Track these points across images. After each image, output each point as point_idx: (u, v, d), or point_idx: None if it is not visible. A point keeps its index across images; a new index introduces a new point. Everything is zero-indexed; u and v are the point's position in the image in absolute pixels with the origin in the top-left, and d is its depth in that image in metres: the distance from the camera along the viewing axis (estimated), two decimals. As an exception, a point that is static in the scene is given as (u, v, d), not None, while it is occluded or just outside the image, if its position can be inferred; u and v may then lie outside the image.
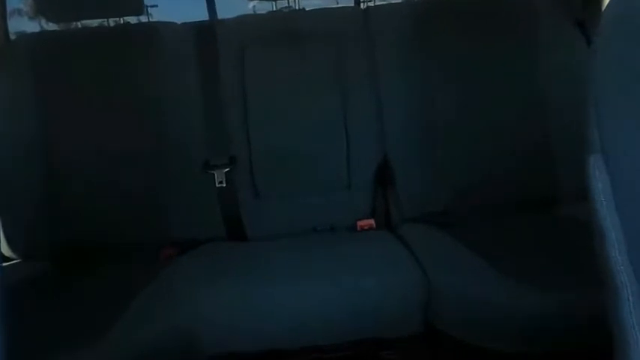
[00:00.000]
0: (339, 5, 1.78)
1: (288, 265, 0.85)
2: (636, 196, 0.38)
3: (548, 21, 1.04)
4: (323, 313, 0.77)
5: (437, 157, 1.03)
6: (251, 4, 4.09)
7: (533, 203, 0.99)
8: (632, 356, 0.35)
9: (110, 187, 1.01)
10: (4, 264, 1.01)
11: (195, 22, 1.21)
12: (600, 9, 0.99)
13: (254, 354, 0.77)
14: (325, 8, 1.29)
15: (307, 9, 1.31)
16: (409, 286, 0.78)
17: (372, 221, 1.05)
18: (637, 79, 0.38)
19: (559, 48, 1.03)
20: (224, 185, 1.03)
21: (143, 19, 2.35)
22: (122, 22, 2.11)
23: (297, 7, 4.00)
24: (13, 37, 1.15)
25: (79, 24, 1.25)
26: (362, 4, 2.31)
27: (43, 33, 1.32)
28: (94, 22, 1.26)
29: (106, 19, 1.80)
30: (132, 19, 2.08)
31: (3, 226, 1.00)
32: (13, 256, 1.02)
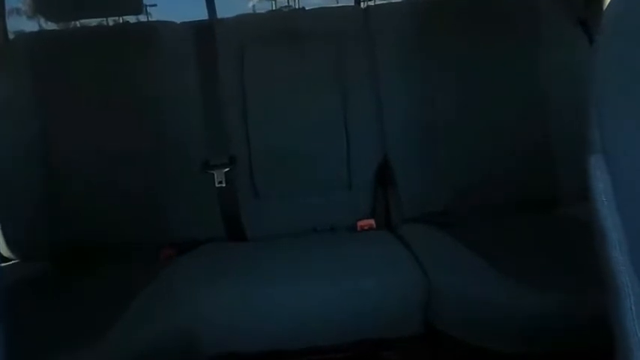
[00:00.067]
0: (339, 4, 1.78)
1: (288, 266, 0.85)
2: (637, 196, 0.37)
3: (549, 20, 1.04)
4: (323, 313, 0.77)
5: (437, 157, 1.02)
6: (250, 4, 4.09)
7: (534, 203, 0.99)
8: (633, 357, 0.35)
9: (110, 187, 1.01)
10: (4, 264, 1.01)
11: (194, 21, 1.21)
12: (602, 7, 0.99)
13: (254, 354, 0.77)
14: (325, 7, 1.29)
15: (307, 8, 1.31)
16: (409, 287, 0.78)
17: (372, 221, 1.05)
18: (637, 78, 0.38)
19: (560, 47, 1.02)
20: (224, 185, 1.03)
21: (142, 18, 2.35)
22: (121, 21, 2.11)
23: (296, 7, 3.99)
24: (11, 36, 1.15)
25: (77, 23, 1.24)
26: (362, 4, 2.31)
27: (41, 32, 1.31)
28: (93, 22, 1.26)
29: (105, 19, 1.80)
30: (131, 19, 2.08)
31: (2, 226, 1.00)
32: (13, 256, 1.02)
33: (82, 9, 1.06)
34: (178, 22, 1.15)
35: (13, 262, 1.02)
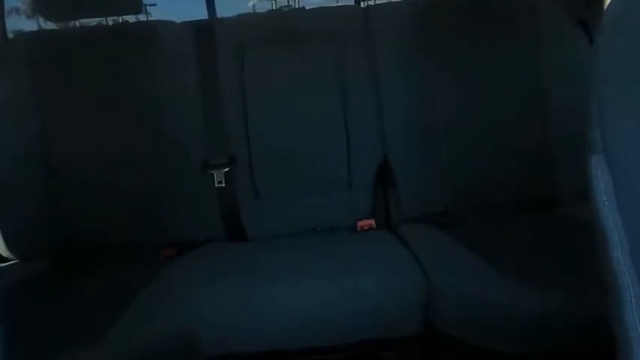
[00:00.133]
0: (339, 4, 1.78)
1: (288, 266, 0.85)
2: (638, 197, 0.37)
3: (549, 20, 1.04)
4: (323, 313, 0.77)
5: (437, 157, 1.02)
6: (251, 3, 4.08)
7: (534, 203, 0.99)
8: (634, 357, 0.35)
9: (109, 186, 1.01)
10: (4, 264, 1.01)
11: (194, 20, 1.21)
12: (602, 7, 0.99)
13: (254, 354, 0.77)
14: (325, 7, 1.29)
15: (307, 8, 1.31)
16: (409, 287, 0.78)
17: (372, 221, 1.05)
18: (637, 78, 0.38)
19: (560, 47, 1.02)
20: (223, 185, 1.03)
21: (142, 17, 2.34)
22: (121, 20, 2.11)
23: (296, 6, 3.99)
24: (10, 35, 1.15)
25: (77, 23, 1.24)
26: (362, 3, 2.31)
27: (41, 32, 1.31)
28: (93, 21, 1.26)
29: (104, 18, 1.79)
30: (130, 18, 2.08)
31: (2, 226, 1.00)
32: (13, 256, 1.02)
33: (82, 8, 1.05)
34: (178, 21, 1.15)
35: (12, 262, 1.02)
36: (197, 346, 0.75)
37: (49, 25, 1.37)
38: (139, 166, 1.01)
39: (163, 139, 1.03)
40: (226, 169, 1.04)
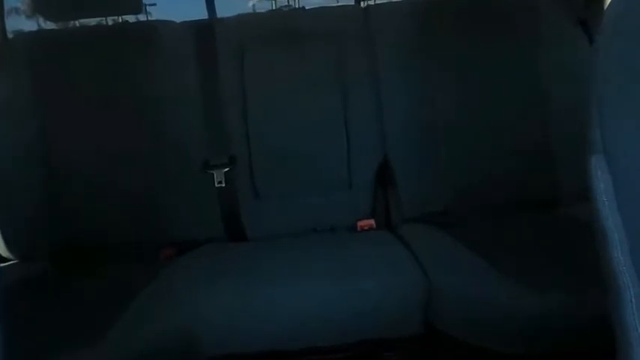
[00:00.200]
0: (339, 4, 1.78)
1: (288, 266, 0.85)
2: (638, 197, 0.37)
3: (549, 20, 1.04)
4: (323, 313, 0.77)
5: (437, 157, 1.02)
6: (250, 3, 4.08)
7: (534, 203, 0.99)
8: (634, 357, 0.35)
9: (109, 186, 1.00)
10: (4, 264, 1.01)
11: (194, 20, 1.21)
12: (603, 7, 0.99)
13: (254, 355, 0.77)
14: (325, 7, 1.29)
15: (307, 8, 1.30)
16: (409, 287, 0.78)
17: (372, 221, 1.05)
18: (637, 78, 0.38)
19: (560, 47, 1.02)
20: (223, 185, 1.03)
21: (142, 17, 2.34)
22: (120, 20, 2.11)
23: (296, 6, 3.99)
24: (10, 35, 1.15)
25: (77, 23, 1.24)
26: (362, 3, 2.31)
27: (40, 32, 1.31)
28: (92, 21, 1.26)
29: (104, 18, 1.79)
30: (130, 18, 2.08)
31: (2, 227, 1.00)
32: (13, 256, 1.02)
33: (81, 8, 1.05)
34: (178, 21, 1.15)
35: (12, 262, 1.02)
36: (197, 346, 0.75)
37: (49, 25, 1.37)
38: (139, 166, 1.01)
39: (163, 139, 1.03)
40: (226, 169, 1.04)
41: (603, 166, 0.38)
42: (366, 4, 1.88)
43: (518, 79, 1.02)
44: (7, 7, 1.14)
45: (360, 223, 1.05)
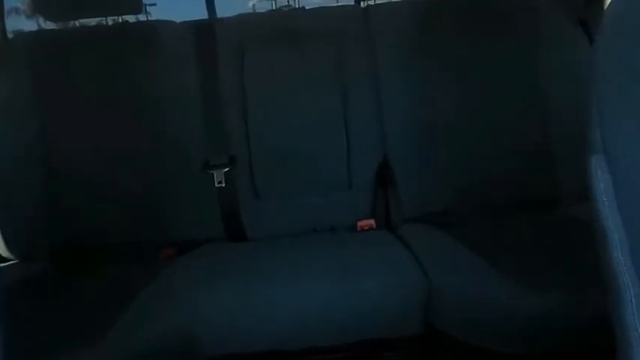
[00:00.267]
0: (339, 4, 1.78)
1: (288, 266, 0.85)
2: (638, 197, 0.37)
3: (549, 20, 1.04)
4: (323, 313, 0.77)
5: (437, 157, 1.02)
6: (251, 3, 4.08)
7: (534, 203, 0.99)
8: (634, 357, 0.35)
9: (109, 186, 1.00)
10: (4, 264, 1.01)
11: (194, 20, 1.21)
12: (602, 7, 0.99)
13: (254, 355, 0.77)
14: (325, 7, 1.29)
15: (307, 8, 1.30)
16: (409, 287, 0.78)
17: (372, 221, 1.05)
18: (637, 78, 0.38)
19: (560, 47, 1.02)
20: (223, 185, 1.03)
21: (142, 17, 2.34)
22: (120, 20, 2.11)
23: (296, 6, 3.99)
24: (10, 35, 1.15)
25: (77, 23, 1.24)
26: (362, 3, 2.31)
27: (40, 32, 1.31)
28: (92, 21, 1.26)
29: (104, 18, 1.79)
30: (130, 18, 2.08)
31: (2, 226, 1.00)
32: (13, 256, 1.02)
33: (81, 8, 1.05)
34: (178, 21, 1.15)
35: (12, 262, 1.02)
36: (197, 346, 0.75)
37: (49, 25, 1.37)
38: (139, 166, 1.01)
39: (163, 139, 1.03)
40: (226, 169, 1.04)
41: (603, 166, 0.38)
42: (365, 4, 1.88)
43: (518, 79, 1.02)
44: (7, 7, 1.14)
45: (360, 223, 1.05)
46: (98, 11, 1.15)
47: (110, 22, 1.84)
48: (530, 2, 1.06)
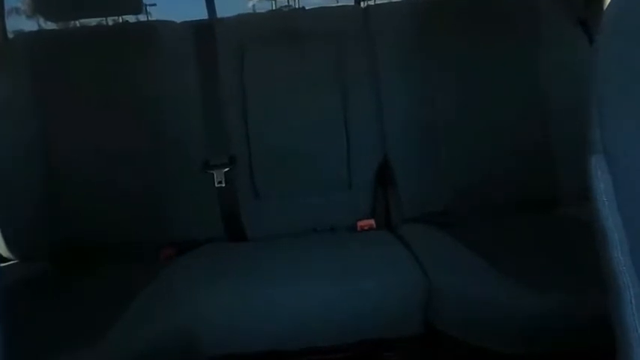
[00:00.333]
0: (339, 4, 1.78)
1: (288, 266, 0.85)
2: (638, 197, 0.37)
3: (549, 20, 1.04)
4: (323, 313, 0.77)
5: (437, 157, 1.02)
6: (250, 3, 4.09)
7: (534, 203, 0.99)
8: (634, 357, 0.35)
9: (109, 186, 1.01)
10: (4, 264, 1.01)
11: (194, 20, 1.21)
12: (602, 7, 0.99)
13: (254, 355, 0.77)
14: (325, 7, 1.29)
15: (307, 8, 1.30)
16: (409, 287, 0.78)
17: (372, 221, 1.05)
18: (637, 78, 0.38)
19: (560, 47, 1.02)
20: (223, 185, 1.03)
21: (142, 17, 2.34)
22: (121, 20, 2.11)
23: (296, 6, 3.99)
24: (10, 35, 1.15)
25: (77, 23, 1.24)
26: (362, 3, 2.31)
27: (41, 32, 1.31)
28: (93, 21, 1.26)
29: (104, 18, 1.79)
30: (130, 18, 2.08)
31: (2, 226, 1.00)
32: (13, 256, 1.02)
33: (82, 8, 1.05)
34: (178, 21, 1.15)
35: (12, 262, 1.02)
36: (197, 346, 0.75)
37: (49, 25, 1.37)
38: (139, 166, 1.01)
39: (163, 139, 1.03)
40: (226, 169, 1.04)
41: (603, 166, 0.38)
42: (365, 4, 1.88)
43: (518, 79, 1.02)
44: (7, 7, 1.15)
45: (360, 223, 1.05)
46: (98, 11, 1.15)
47: (110, 23, 1.84)
48: (530, 2, 1.06)
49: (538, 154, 1.01)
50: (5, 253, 1.01)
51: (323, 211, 1.05)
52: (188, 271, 0.87)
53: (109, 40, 1.07)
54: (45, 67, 1.02)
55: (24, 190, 1.00)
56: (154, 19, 1.51)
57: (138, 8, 1.10)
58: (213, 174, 1.03)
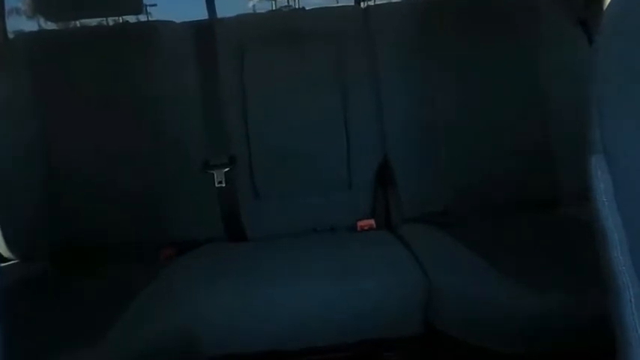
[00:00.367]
0: (339, 4, 1.78)
1: (288, 266, 0.85)
2: (638, 197, 0.37)
3: (549, 20, 1.04)
4: (323, 313, 0.77)
5: (437, 157, 1.02)
6: (251, 3, 4.09)
7: (534, 203, 0.99)
8: (634, 357, 0.35)
9: (109, 186, 1.01)
10: (4, 264, 1.01)
11: (194, 21, 1.21)
12: (602, 7, 0.99)
13: (254, 355, 0.77)
14: (325, 7, 1.29)
15: (307, 8, 1.30)
16: (409, 287, 0.78)
17: (372, 221, 1.05)
18: (637, 78, 0.38)
19: (560, 47, 1.03)
20: (223, 185, 1.03)
21: (142, 18, 2.34)
22: (121, 21, 2.11)
23: (296, 6, 3.99)
24: (11, 36, 1.15)
25: (77, 23, 1.24)
26: (362, 3, 2.31)
27: (41, 32, 1.31)
28: (93, 21, 1.26)
29: (104, 18, 1.79)
30: (131, 18, 2.08)
31: (2, 226, 1.00)
32: (13, 256, 1.02)
33: (82, 9, 1.05)
34: (178, 21, 1.15)
35: (12, 262, 1.02)
36: (197, 346, 0.75)
37: (50, 26, 1.37)
38: (139, 166, 1.01)
39: (163, 139, 1.03)
40: (226, 169, 1.04)
41: (603, 166, 0.38)
42: (365, 4, 1.88)
43: (518, 79, 1.02)
44: (7, 7, 1.15)
45: (360, 223, 1.05)
46: (99, 11, 1.15)
47: (111, 23, 1.84)
48: (530, 2, 1.06)
49: (538, 154, 1.01)
50: (5, 253, 1.01)
51: (323, 211, 1.05)
52: (188, 271, 0.87)
53: (109, 40, 1.07)
54: (45, 67, 1.03)
55: (24, 190, 1.00)
56: (154, 19, 1.51)
57: (138, 8, 1.10)
58: (213, 174, 1.03)
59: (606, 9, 0.41)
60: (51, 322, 0.74)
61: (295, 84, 1.06)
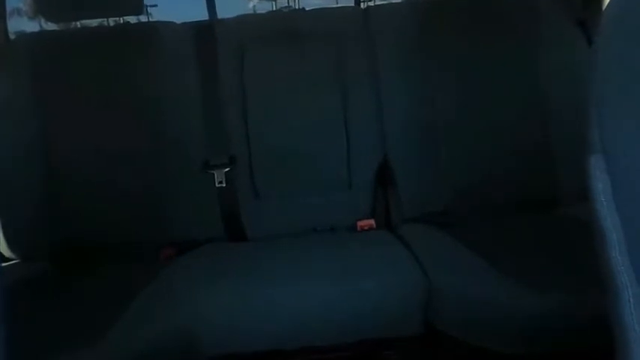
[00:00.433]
0: (339, 5, 1.78)
1: (288, 266, 0.85)
2: (636, 197, 0.37)
3: (548, 20, 1.04)
4: (323, 313, 0.77)
5: (437, 157, 1.02)
6: (251, 4, 4.09)
7: (534, 203, 0.99)
8: (633, 357, 0.35)
9: (110, 186, 1.01)
10: (4, 264, 1.01)
11: (194, 21, 1.21)
12: (601, 8, 0.99)
13: (254, 355, 0.77)
14: (325, 8, 1.29)
15: (307, 9, 1.31)
16: (409, 287, 0.78)
17: (372, 221, 1.05)
18: (637, 79, 0.38)
19: (560, 47, 1.03)
20: (224, 185, 1.03)
21: (143, 18, 2.35)
22: (122, 21, 2.11)
23: (297, 7, 4.00)
24: (12, 36, 1.15)
25: (78, 24, 1.25)
26: (362, 4, 2.31)
27: (42, 33, 1.31)
28: (94, 22, 1.26)
29: (105, 19, 1.80)
30: (131, 19, 2.08)
31: (2, 226, 1.00)
32: (13, 256, 1.02)
33: (83, 9, 1.06)
34: (179, 22, 1.15)
35: (13, 262, 1.02)
36: (197, 346, 0.75)
37: (51, 26, 1.37)
38: (139, 166, 1.01)
39: (163, 139, 1.03)
40: (226, 169, 1.04)
41: (602, 166, 0.38)
42: (365, 5, 1.89)
43: (518, 79, 1.02)
44: (9, 8, 1.15)
45: (360, 223, 1.05)
46: (99, 12, 1.15)
47: (111, 23, 1.84)
48: (530, 2, 1.06)
49: (538, 154, 1.01)
50: (6, 252, 1.02)
51: (323, 211, 1.05)
52: (188, 271, 0.88)
53: (110, 41, 1.07)
54: (46, 68, 1.03)
55: (24, 190, 1.00)
56: (154, 19, 1.51)
57: (139, 9, 1.10)
58: (213, 174, 1.03)
59: (605, 9, 0.41)
60: (51, 322, 0.74)
61: (295, 84, 1.06)
